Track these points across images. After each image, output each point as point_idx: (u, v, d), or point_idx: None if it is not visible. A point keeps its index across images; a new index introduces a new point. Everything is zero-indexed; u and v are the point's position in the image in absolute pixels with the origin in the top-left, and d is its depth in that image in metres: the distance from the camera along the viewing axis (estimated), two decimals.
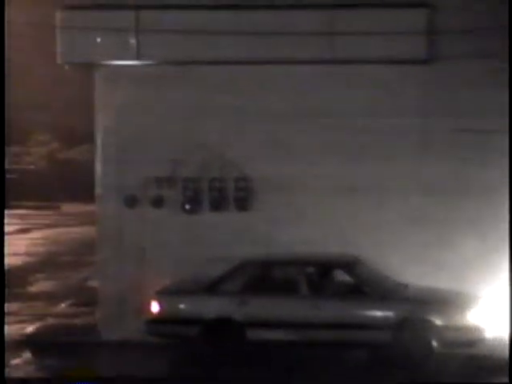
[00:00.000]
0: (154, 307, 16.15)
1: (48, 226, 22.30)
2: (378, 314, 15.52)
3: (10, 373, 15.01)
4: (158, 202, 17.66)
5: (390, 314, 15.47)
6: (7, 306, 18.57)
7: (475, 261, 17.11)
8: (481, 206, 17.24)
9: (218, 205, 17.68)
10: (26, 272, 20.99)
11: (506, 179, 16.70)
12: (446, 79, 17.25)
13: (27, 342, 17.10)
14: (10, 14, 16.65)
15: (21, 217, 22.82)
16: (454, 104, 17.26)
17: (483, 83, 17.08)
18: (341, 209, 17.47)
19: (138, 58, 17.38)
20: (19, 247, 21.81)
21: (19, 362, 15.89)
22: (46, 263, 21.06)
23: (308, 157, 17.46)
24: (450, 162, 17.23)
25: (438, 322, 15.34)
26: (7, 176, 22.53)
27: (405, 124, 17.31)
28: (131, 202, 17.65)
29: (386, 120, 17.32)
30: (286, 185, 17.45)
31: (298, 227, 17.21)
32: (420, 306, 15.64)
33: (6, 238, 21.43)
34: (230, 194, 17.70)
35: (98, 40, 17.24)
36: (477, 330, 15.51)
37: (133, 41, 17.21)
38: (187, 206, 17.68)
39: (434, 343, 15.33)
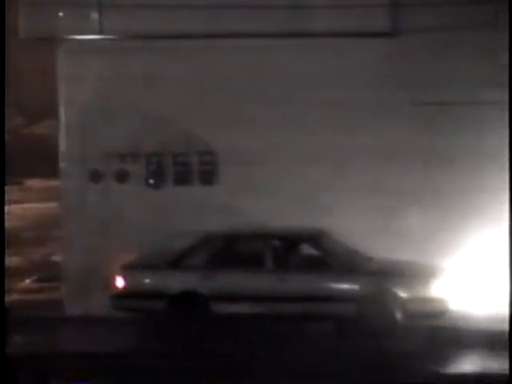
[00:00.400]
0: (119, 282, 16.13)
1: (12, 202, 22.31)
2: (343, 286, 15.49)
3: None
4: (121, 177, 17.69)
5: (354, 286, 15.47)
6: None
7: (438, 232, 17.17)
8: (443, 176, 17.28)
9: (182, 179, 17.73)
10: None
11: (469, 149, 16.95)
12: (409, 51, 17.22)
13: None
14: None
15: None
16: (417, 76, 17.28)
17: (447, 55, 17.09)
18: (303, 180, 17.40)
19: (100, 33, 17.22)
20: None
21: None
22: (9, 239, 20.89)
23: (270, 129, 17.39)
24: (412, 133, 17.21)
25: (402, 294, 15.36)
26: None
27: (367, 96, 17.31)
28: (95, 176, 17.66)
29: (348, 92, 17.26)
30: (249, 155, 17.45)
31: (262, 199, 17.13)
32: (384, 279, 15.64)
33: None
34: (193, 168, 17.75)
35: (60, 15, 17.06)
36: (441, 301, 15.53)
37: (95, 15, 17.08)
38: (151, 181, 17.73)
39: (398, 315, 15.35)
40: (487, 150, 17.00)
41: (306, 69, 17.27)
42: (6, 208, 22.22)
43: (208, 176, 17.64)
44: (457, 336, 15.24)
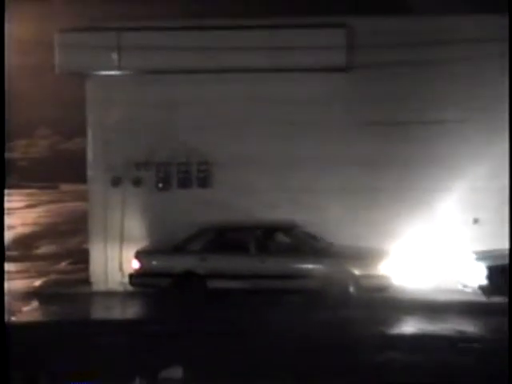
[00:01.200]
0: (135, 264, 16.23)
1: (50, 202, 22.36)
2: (310, 267, 15.53)
3: (19, 318, 15.02)
4: (137, 182, 17.58)
5: (319, 267, 15.51)
6: (20, 265, 18.81)
7: (390, 222, 17.16)
8: (397, 177, 17.16)
9: (183, 183, 17.63)
10: (33, 238, 20.79)
11: (419, 155, 16.88)
12: (361, 83, 17.09)
13: (35, 293, 17.07)
14: (16, 32, 16.60)
15: (28, 195, 22.82)
16: (371, 101, 17.17)
17: (394, 85, 16.98)
18: (285, 181, 17.29)
19: (118, 69, 17.10)
20: (27, 219, 21.66)
21: (29, 309, 15.80)
22: (49, 231, 20.94)
23: (254, 143, 17.35)
24: (374, 142, 17.12)
25: (356, 272, 15.44)
26: (18, 164, 22.75)
27: (329, 117, 17.20)
28: (116, 182, 17.57)
29: (315, 114, 17.17)
30: (237, 164, 17.24)
31: (248, 198, 17.07)
32: (341, 260, 15.67)
33: (17, 211, 21.86)
34: (193, 174, 17.63)
35: (88, 54, 16.85)
36: (387, 277, 15.58)
37: (115, 55, 16.94)
38: (160, 185, 17.64)
39: (353, 289, 15.38)
40: (428, 157, 17.01)
41: (283, 95, 17.05)
42: (45, 207, 22.51)
43: (204, 181, 17.53)
44: (399, 305, 15.24)
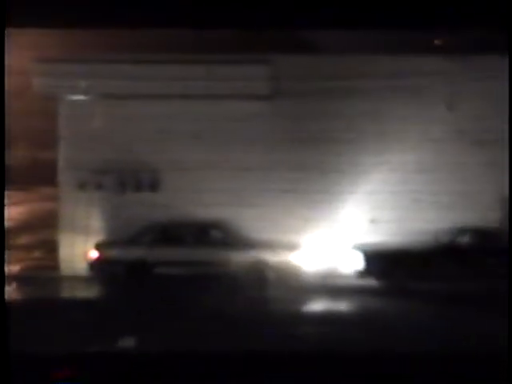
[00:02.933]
0: (93, 254, 16.29)
1: (28, 202, 21.76)
2: (235, 256, 15.70)
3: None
4: (99, 186, 17.50)
5: (242, 256, 15.75)
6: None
7: (299, 219, 17.25)
8: (311, 181, 17.38)
9: (136, 188, 17.55)
10: (13, 231, 19.28)
11: (329, 164, 17.15)
12: (282, 109, 17.28)
13: (13, 277, 16.42)
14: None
15: (9, 196, 22.17)
16: (290, 121, 17.24)
17: (308, 109, 17.14)
18: (219, 184, 17.30)
19: (85, 94, 17.13)
20: (9, 216, 20.95)
21: (8, 289, 14.89)
22: (26, 225, 20.28)
23: (196, 150, 17.32)
24: (292, 153, 17.27)
25: (271, 260, 15.71)
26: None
27: (257, 132, 17.35)
28: (82, 186, 17.48)
29: (244, 130, 17.31)
30: (181, 171, 17.28)
31: (190, 200, 17.06)
32: (260, 251, 15.89)
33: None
34: (146, 180, 17.51)
35: (61, 81, 16.89)
36: (298, 266, 15.86)
37: (83, 83, 16.89)
38: (117, 189, 17.56)
39: (268, 274, 15.59)
40: (336, 166, 17.23)
41: (220, 115, 17.26)
42: (25, 205, 21.84)
43: (153, 186, 17.53)
44: (307, 287, 15.36)
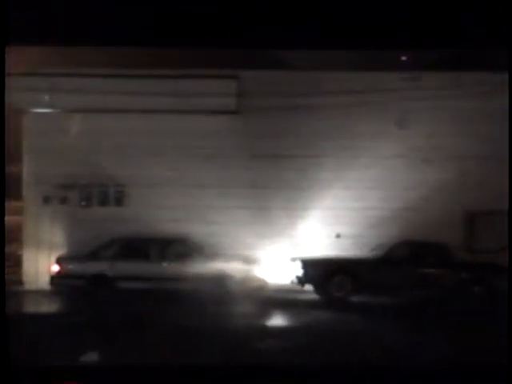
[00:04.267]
0: (55, 268, 16.09)
1: None
2: (198, 271, 15.43)
3: None
4: (63, 200, 17.50)
5: (205, 271, 15.48)
6: None
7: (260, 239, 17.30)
8: (278, 198, 17.27)
9: (102, 202, 17.57)
10: None
11: (295, 181, 17.15)
12: (248, 123, 17.28)
13: None
14: None
15: None
16: (254, 139, 17.27)
17: (275, 125, 17.17)
18: (186, 200, 17.27)
19: (50, 108, 17.19)
20: None
21: None
22: None
23: (163, 166, 17.31)
24: (259, 170, 17.33)
25: (237, 275, 15.59)
26: None
27: (224, 148, 17.29)
28: (46, 200, 17.47)
29: (211, 147, 17.35)
30: (148, 186, 17.28)
31: (155, 215, 17.05)
32: (225, 265, 15.75)
33: None
34: (110, 195, 17.58)
35: (26, 95, 16.72)
36: (260, 279, 15.90)
37: (47, 97, 17.04)
38: (83, 203, 17.60)
39: (231, 289, 15.29)
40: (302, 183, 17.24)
41: (187, 131, 17.23)
42: None
43: (119, 200, 17.55)
44: (269, 301, 15.28)
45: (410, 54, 16.53)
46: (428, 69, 16.47)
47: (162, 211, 17.09)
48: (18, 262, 17.76)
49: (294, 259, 16.01)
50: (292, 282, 15.78)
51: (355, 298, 15.33)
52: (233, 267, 15.79)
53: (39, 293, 16.63)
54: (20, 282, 17.38)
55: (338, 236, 17.48)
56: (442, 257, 15.38)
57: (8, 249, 18.38)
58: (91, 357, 9.67)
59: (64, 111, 17.29)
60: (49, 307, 15.65)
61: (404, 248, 15.57)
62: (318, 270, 15.45)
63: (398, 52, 16.43)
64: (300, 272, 15.54)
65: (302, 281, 15.56)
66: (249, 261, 16.20)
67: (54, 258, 16.54)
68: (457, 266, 15.32)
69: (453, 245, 15.67)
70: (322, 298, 15.44)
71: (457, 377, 5.09)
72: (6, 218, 19.64)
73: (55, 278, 16.09)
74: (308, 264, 15.59)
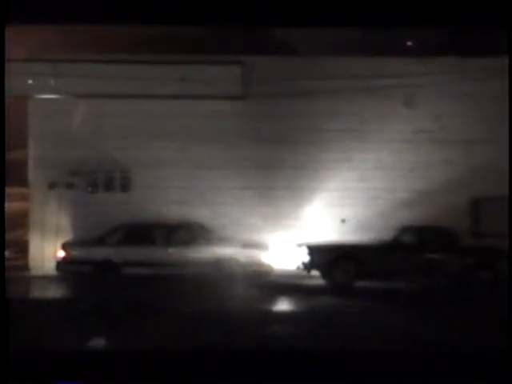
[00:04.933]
0: (61, 253, 16.02)
1: None
2: (205, 256, 15.45)
3: None
4: (70, 186, 17.41)
5: (212, 256, 15.47)
6: None
7: (266, 221, 17.23)
8: (285, 179, 17.24)
9: (108, 188, 17.50)
10: None
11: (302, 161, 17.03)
12: (254, 109, 17.18)
13: None
14: None
15: None
16: (258, 125, 17.20)
17: (280, 110, 17.06)
18: (192, 182, 17.26)
19: (55, 93, 17.09)
20: None
21: None
22: None
23: (169, 149, 17.24)
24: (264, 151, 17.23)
25: (242, 260, 15.51)
26: None
27: (228, 133, 17.22)
28: (52, 186, 17.38)
29: (224, 127, 17.22)
30: (153, 171, 17.26)
31: (161, 199, 17.07)
32: (231, 250, 15.69)
33: None
34: (116, 180, 17.51)
35: (29, 81, 16.85)
36: (267, 265, 15.70)
37: (53, 82, 16.93)
38: (89, 189, 17.54)
39: (239, 274, 15.26)
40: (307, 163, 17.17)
41: (194, 114, 17.16)
42: None
43: (125, 185, 17.45)
44: (276, 287, 15.32)
45: (414, 39, 16.40)
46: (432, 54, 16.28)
47: (169, 195, 17.15)
48: (24, 248, 17.81)
49: (300, 245, 15.84)
50: (298, 268, 15.63)
51: (360, 284, 15.15)
52: (238, 252, 15.67)
53: (45, 278, 16.59)
54: (27, 268, 17.41)
55: (343, 221, 17.38)
56: (448, 241, 15.16)
57: (14, 235, 18.58)
58: (96, 342, 9.69)
59: (70, 96, 17.16)
60: (55, 293, 15.67)
61: (409, 233, 15.40)
62: (323, 257, 15.25)
63: (404, 37, 16.31)
64: (306, 258, 15.38)
65: (307, 267, 15.40)
66: (254, 246, 16.08)
67: (59, 244, 16.52)
68: (463, 251, 15.13)
69: (459, 229, 15.46)
70: (328, 283, 15.25)
71: (461, 361, 5.08)
72: (13, 204, 19.87)
73: (61, 264, 16.02)
74: (314, 250, 15.40)
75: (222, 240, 16.12)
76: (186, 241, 15.90)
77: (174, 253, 15.60)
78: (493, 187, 16.08)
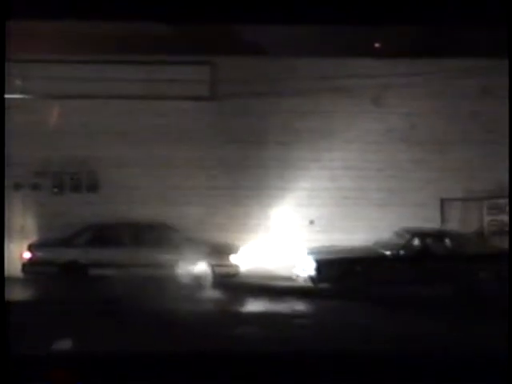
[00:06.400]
0: (26, 255, 15.92)
1: None
2: (174, 257, 15.37)
3: None
4: (35, 187, 17.30)
5: (181, 257, 15.35)
6: None
7: (237, 224, 17.19)
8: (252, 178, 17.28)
9: (75, 189, 17.40)
10: None
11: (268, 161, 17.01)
12: (222, 110, 17.23)
13: None
14: None
15: None
16: (226, 125, 17.26)
17: (247, 110, 17.10)
18: (158, 183, 17.25)
19: (22, 93, 16.92)
20: None
21: None
22: None
23: (137, 149, 17.21)
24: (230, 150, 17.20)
25: (212, 261, 15.58)
26: None
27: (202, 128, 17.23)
28: (17, 187, 17.18)
29: (192, 127, 17.22)
30: (120, 172, 17.19)
31: (128, 200, 16.98)
32: (200, 252, 15.61)
33: None
34: (83, 182, 17.46)
35: None
36: (235, 266, 15.69)
37: (19, 82, 16.75)
38: (55, 190, 17.38)
39: (208, 275, 15.49)
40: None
41: (162, 113, 17.18)
42: None
43: (92, 186, 17.36)
44: (246, 289, 15.48)
45: (383, 41, 16.54)
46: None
47: (135, 195, 17.06)
48: None
49: (309, 252, 15.47)
50: (304, 280, 15.29)
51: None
52: (204, 252, 15.75)
53: (10, 280, 15.68)
54: None
55: (311, 222, 17.25)
56: (445, 244, 14.83)
57: None
58: (62, 344, 9.79)
59: (36, 97, 16.96)
60: (21, 295, 15.43)
61: (410, 239, 14.98)
62: (331, 271, 14.79)
63: (372, 39, 16.41)
64: (313, 272, 14.92)
65: (315, 281, 14.96)
66: (220, 246, 16.14)
67: (25, 246, 16.43)
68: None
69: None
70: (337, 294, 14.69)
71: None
72: None
73: (27, 265, 15.88)
74: (322, 264, 14.89)
75: (189, 240, 16.05)
76: (153, 241, 15.89)
77: (142, 253, 15.50)
78: (460, 187, 16.42)
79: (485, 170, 16.41)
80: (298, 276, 15.47)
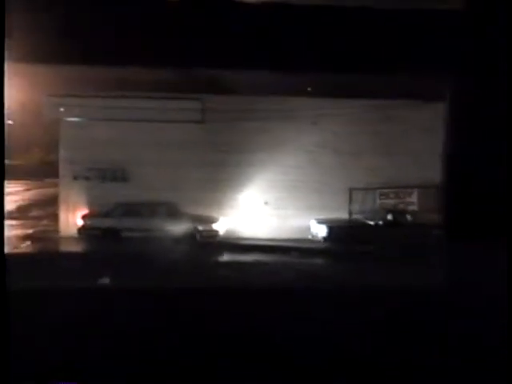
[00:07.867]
0: (79, 222, 17.63)
1: (38, 188, 22.25)
2: (176, 226, 16.54)
3: (19, 250, 15.13)
4: (87, 178, 18.36)
5: (181, 225, 16.70)
6: (19, 222, 18.53)
7: (218, 204, 18.38)
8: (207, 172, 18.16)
9: (113, 179, 18.26)
10: (27, 207, 20.76)
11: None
12: (212, 130, 18.18)
13: (29, 237, 17.05)
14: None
15: (25, 184, 22.32)
16: (215, 140, 18.19)
17: (228, 132, 18.17)
18: (166, 177, 17.65)
19: (78, 117, 18.08)
20: (24, 196, 21.49)
21: (24, 245, 15.99)
22: (36, 203, 20.62)
23: (152, 159, 17.92)
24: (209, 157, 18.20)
25: (200, 228, 17.16)
26: (19, 167, 22.37)
27: (188, 141, 18.10)
28: (75, 177, 18.31)
29: (180, 138, 18.03)
30: (142, 169, 17.88)
31: (146, 187, 17.47)
32: (193, 222, 17.02)
33: (19, 192, 21.77)
34: (117, 175, 18.28)
35: (61, 109, 18.18)
36: (216, 231, 17.31)
37: (77, 109, 17.98)
38: (100, 180, 18.37)
39: (198, 237, 16.90)
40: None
41: (166, 133, 18.08)
42: (36, 190, 22.78)
43: (123, 178, 18.33)
44: (222, 246, 16.72)
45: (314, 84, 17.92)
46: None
47: (151, 185, 17.84)
48: (56, 219, 19.03)
49: (319, 222, 17.09)
50: (318, 240, 16.68)
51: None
52: (197, 223, 16.78)
53: (69, 238, 17.94)
54: (57, 232, 18.67)
55: (266, 203, 19.17)
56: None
57: (50, 210, 20.13)
58: (106, 280, 10.41)
59: (87, 119, 18.49)
60: (75, 248, 17.02)
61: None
62: (337, 233, 16.43)
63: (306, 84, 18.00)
64: (324, 233, 16.59)
65: (326, 240, 16.53)
66: (207, 218, 17.26)
67: (79, 216, 17.99)
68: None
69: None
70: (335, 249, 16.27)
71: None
72: (50, 190, 20.81)
73: (80, 230, 17.58)
74: (332, 228, 16.58)
75: (186, 214, 17.40)
76: (162, 214, 17.12)
77: (155, 222, 16.81)
78: (363, 180, 18.53)
79: (379, 169, 18.66)
80: (314, 237, 17.29)
